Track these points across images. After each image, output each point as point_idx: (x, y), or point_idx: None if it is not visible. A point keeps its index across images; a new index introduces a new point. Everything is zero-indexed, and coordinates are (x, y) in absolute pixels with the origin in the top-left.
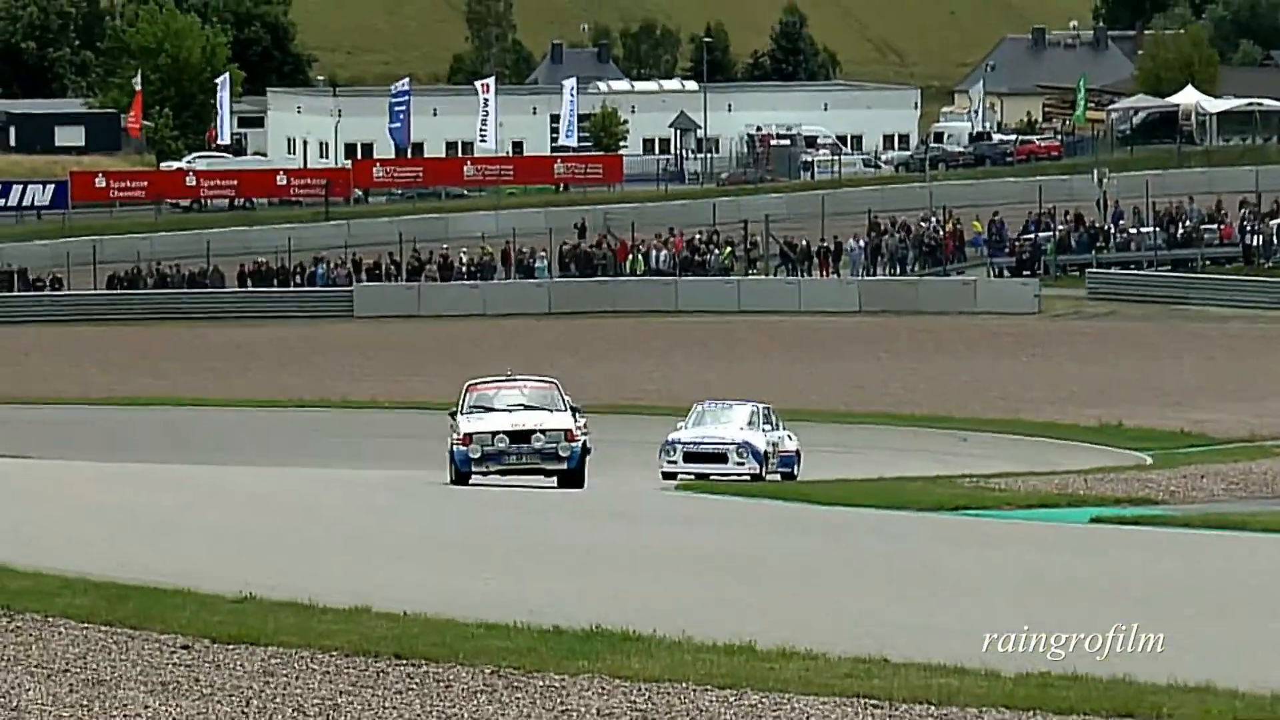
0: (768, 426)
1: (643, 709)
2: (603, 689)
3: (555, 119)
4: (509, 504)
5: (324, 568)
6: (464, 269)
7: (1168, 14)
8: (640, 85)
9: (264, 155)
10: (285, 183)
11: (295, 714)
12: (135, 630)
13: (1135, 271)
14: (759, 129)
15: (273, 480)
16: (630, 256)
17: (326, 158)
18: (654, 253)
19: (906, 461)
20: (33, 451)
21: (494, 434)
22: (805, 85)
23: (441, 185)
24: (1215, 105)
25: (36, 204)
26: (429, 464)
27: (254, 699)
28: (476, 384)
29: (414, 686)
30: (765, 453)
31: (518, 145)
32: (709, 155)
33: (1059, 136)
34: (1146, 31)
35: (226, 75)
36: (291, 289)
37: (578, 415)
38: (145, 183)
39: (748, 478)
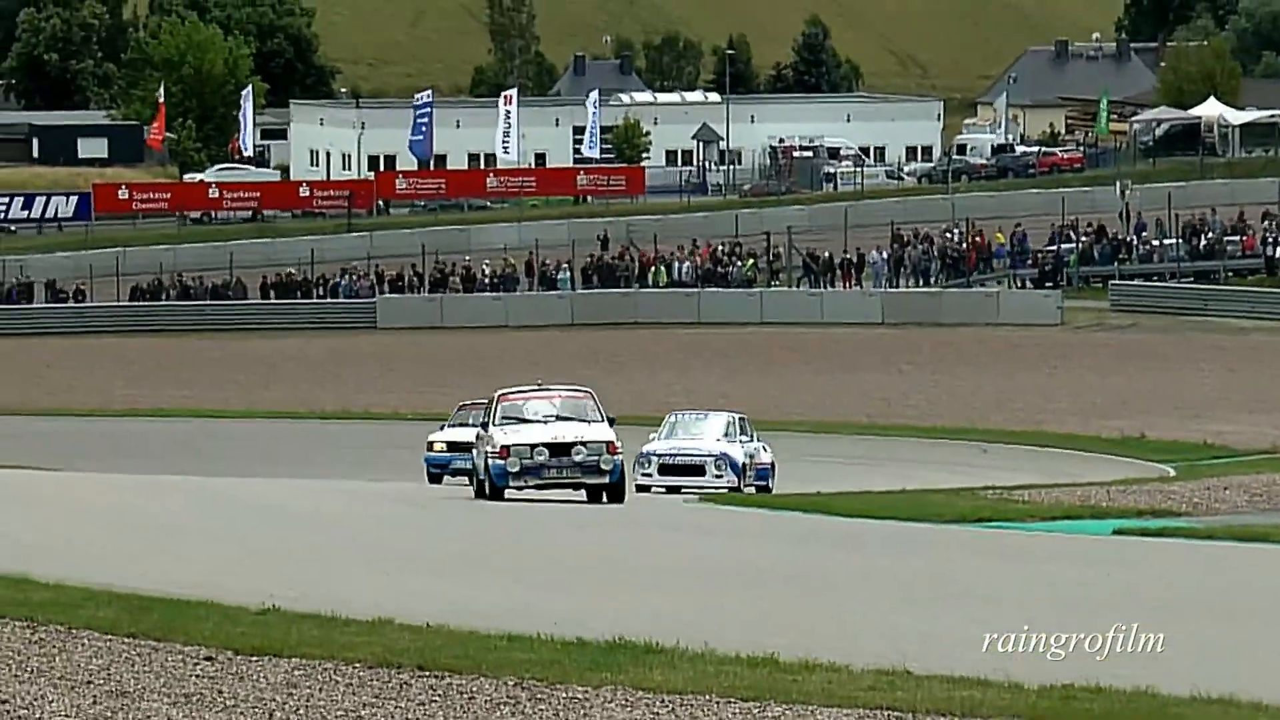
0: (744, 437)
1: None
2: (626, 701)
3: (578, 131)
4: (530, 516)
5: (346, 579)
6: (486, 281)
7: (1190, 26)
8: (663, 97)
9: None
10: (308, 194)
11: None
12: (158, 642)
13: (1158, 283)
14: (781, 141)
15: (295, 492)
16: (653, 268)
17: (349, 170)
18: (676, 264)
19: (929, 473)
20: (55, 463)
21: (533, 446)
22: (828, 97)
23: (464, 197)
24: (1238, 117)
25: (59, 216)
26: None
27: (277, 711)
28: (508, 394)
29: (437, 698)
30: (743, 465)
31: (540, 157)
32: (731, 167)
33: (1081, 148)
34: (1169, 43)
35: (250, 87)
36: (314, 301)
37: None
38: (168, 194)
39: (725, 491)
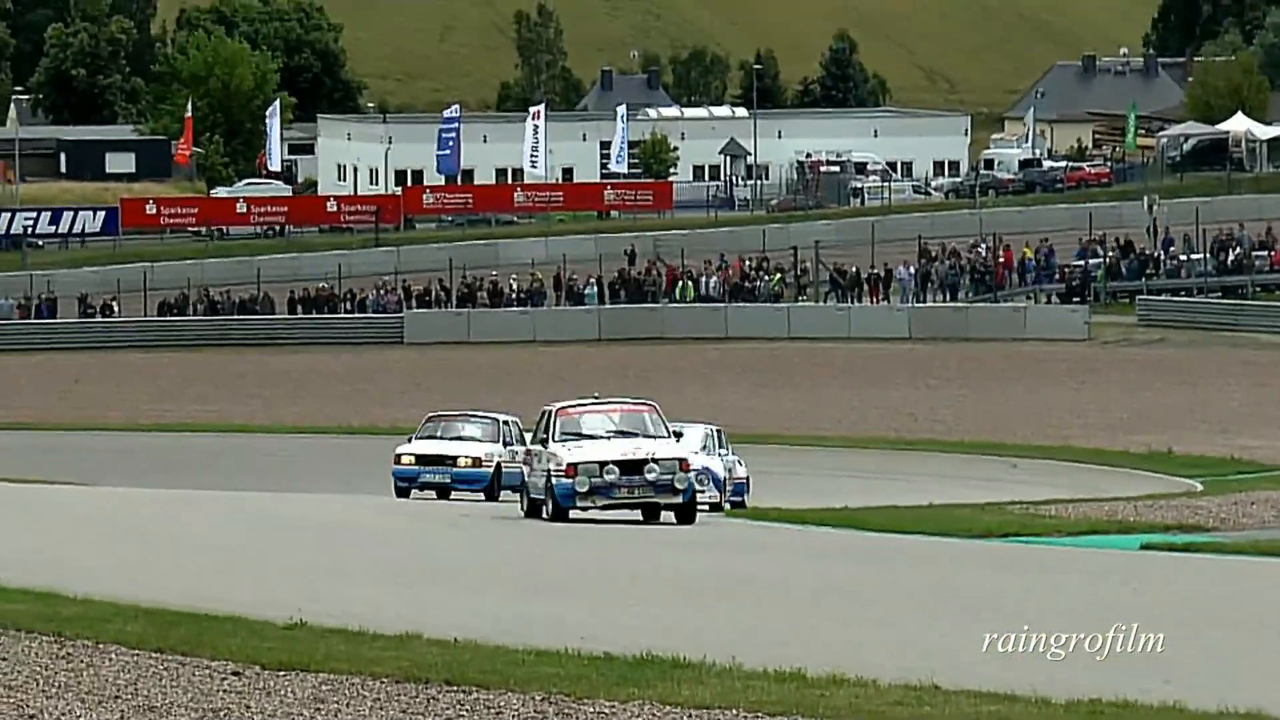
0: (722, 450)
1: None
2: (653, 716)
3: (605, 146)
4: (553, 532)
5: (373, 594)
6: (514, 296)
7: (1218, 41)
8: (690, 112)
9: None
10: (335, 210)
11: None
12: (185, 657)
13: (1185, 298)
14: (809, 155)
15: (320, 507)
16: (680, 283)
17: (376, 184)
18: (704, 279)
19: (956, 488)
20: (82, 478)
21: (603, 464)
22: (855, 112)
23: (491, 212)
24: (1265, 132)
25: (87, 231)
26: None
27: None
28: (565, 408)
29: (464, 713)
30: (723, 479)
31: (567, 172)
32: (759, 182)
33: (1109, 163)
34: (1196, 58)
35: (277, 102)
36: (341, 316)
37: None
38: (195, 209)
39: (706, 507)
